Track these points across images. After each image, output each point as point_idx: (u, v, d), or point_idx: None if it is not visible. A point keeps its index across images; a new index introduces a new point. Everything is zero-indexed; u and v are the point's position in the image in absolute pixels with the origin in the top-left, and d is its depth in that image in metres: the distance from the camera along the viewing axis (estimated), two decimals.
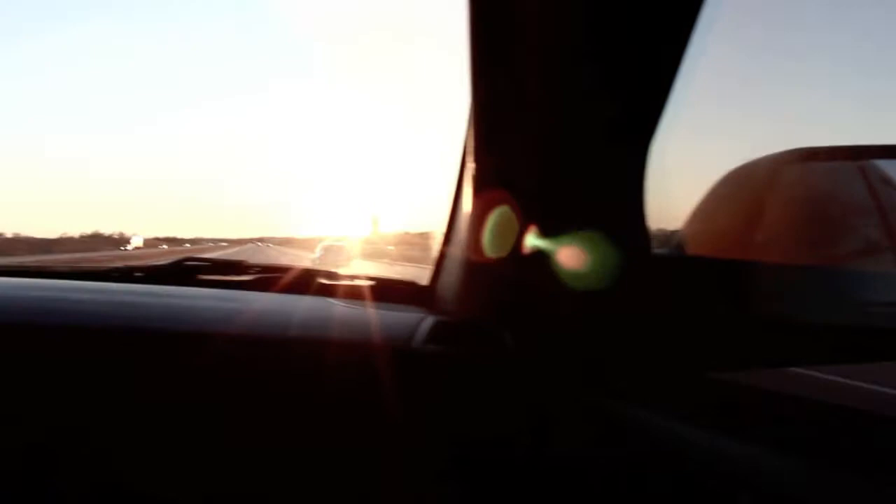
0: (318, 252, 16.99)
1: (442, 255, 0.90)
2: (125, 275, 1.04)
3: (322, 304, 0.90)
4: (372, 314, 0.87)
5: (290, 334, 0.79)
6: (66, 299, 0.84)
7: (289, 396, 0.74)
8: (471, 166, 0.71)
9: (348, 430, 0.74)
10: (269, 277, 1.00)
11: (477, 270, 0.76)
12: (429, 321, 0.81)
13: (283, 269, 1.05)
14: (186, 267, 1.03)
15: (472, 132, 0.68)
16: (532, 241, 0.68)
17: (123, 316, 0.81)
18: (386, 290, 0.99)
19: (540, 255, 0.67)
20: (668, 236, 0.72)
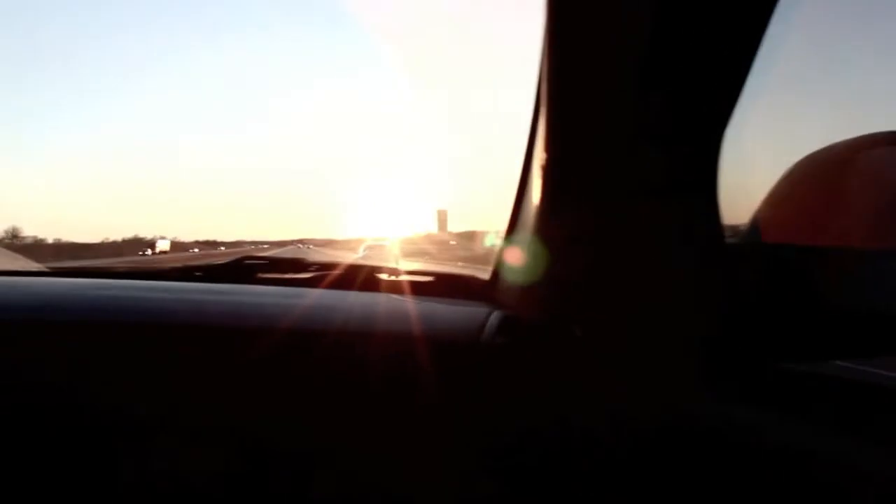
0: (361, 252, 16.83)
1: (504, 249, 0.90)
2: (185, 274, 1.08)
3: (385, 299, 0.92)
4: (437, 309, 0.88)
5: (356, 329, 0.81)
6: (132, 297, 0.88)
7: (360, 392, 0.76)
8: (538, 161, 0.71)
9: (422, 426, 0.75)
10: (328, 274, 1.03)
11: (542, 264, 0.76)
12: (496, 315, 0.81)
13: (341, 267, 1.07)
14: (245, 265, 1.07)
15: (540, 127, 0.68)
16: (599, 234, 0.67)
17: (189, 312, 0.84)
18: (447, 285, 1.01)
19: (608, 248, 0.67)
20: (740, 224, 0.71)
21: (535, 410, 0.72)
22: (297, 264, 1.07)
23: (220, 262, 1.08)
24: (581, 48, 0.58)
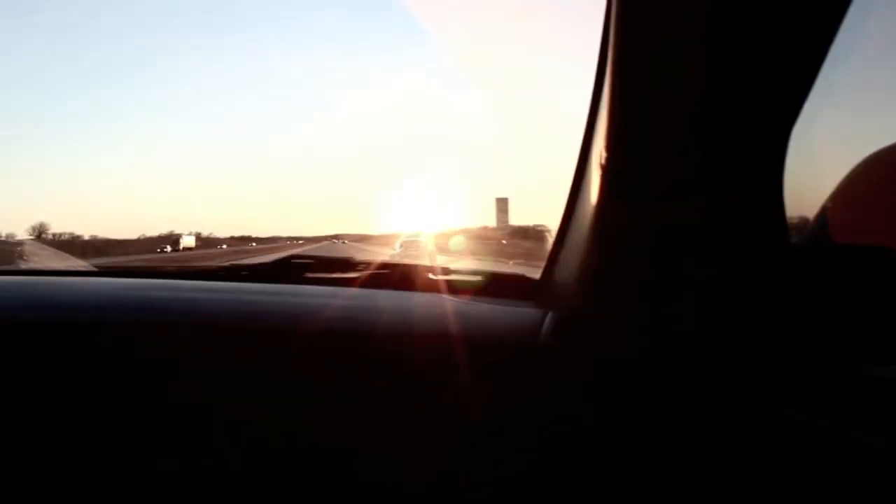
0: (398, 247, 16.68)
1: (556, 248, 0.89)
2: (231, 273, 1.11)
3: (435, 299, 0.92)
4: (489, 310, 0.89)
5: (409, 331, 0.82)
6: (182, 298, 0.91)
7: (413, 394, 0.78)
8: (595, 157, 0.70)
9: (478, 429, 0.76)
10: (375, 274, 1.04)
11: (597, 264, 0.75)
12: (551, 316, 0.81)
13: (388, 266, 1.08)
14: (293, 265, 1.09)
15: (599, 123, 0.67)
16: (659, 233, 0.66)
17: (241, 313, 0.87)
18: (496, 285, 1.00)
19: (666, 247, 0.66)
20: (805, 224, 0.69)
21: (596, 412, 0.72)
22: (344, 263, 1.09)
23: (266, 261, 1.10)
24: (646, 45, 0.57)
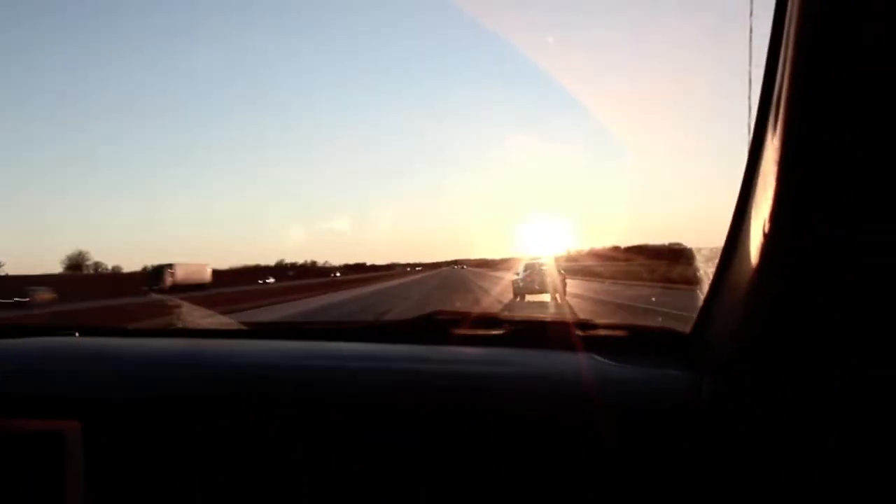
0: (521, 273, 16.46)
1: (712, 295, 0.83)
2: (377, 331, 1.16)
3: (589, 361, 0.92)
4: (641, 374, 0.88)
5: (565, 403, 0.83)
6: (338, 366, 0.97)
7: (575, 468, 0.78)
8: (769, 166, 0.62)
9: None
10: (522, 330, 1.05)
11: (765, 311, 0.68)
12: (710, 380, 0.78)
13: (531, 322, 1.09)
14: (438, 322, 1.12)
15: (774, 132, 0.60)
16: (849, 270, 0.59)
17: (396, 383, 0.92)
18: (642, 342, 0.99)
19: (868, 285, 0.59)
20: None
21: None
22: (490, 320, 1.10)
23: (411, 318, 1.15)
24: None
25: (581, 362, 0.92)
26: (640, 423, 0.79)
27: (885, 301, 0.58)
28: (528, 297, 15.58)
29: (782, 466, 0.68)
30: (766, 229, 0.62)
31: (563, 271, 17.74)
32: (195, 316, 1.56)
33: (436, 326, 1.11)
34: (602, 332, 1.02)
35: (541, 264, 16.75)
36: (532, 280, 15.75)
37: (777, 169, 0.58)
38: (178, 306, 1.57)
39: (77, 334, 1.24)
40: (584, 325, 1.04)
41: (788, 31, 0.55)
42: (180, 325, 1.44)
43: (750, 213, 0.70)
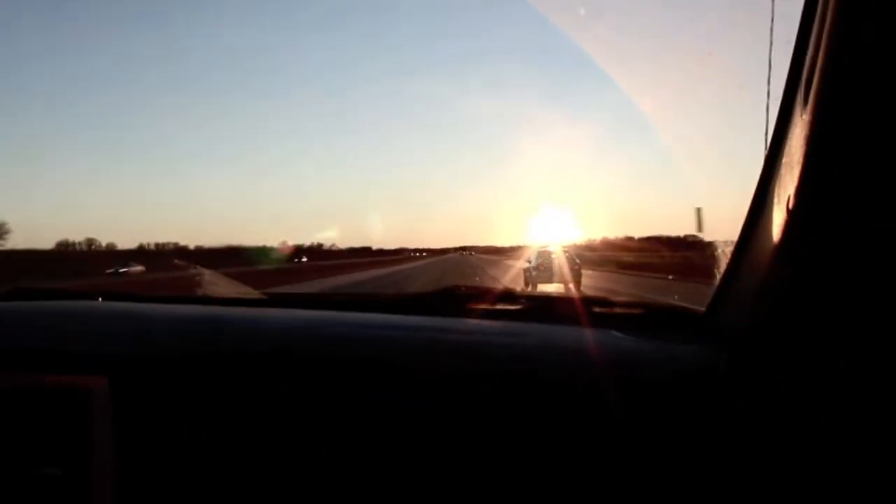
0: (533, 261, 15.75)
1: (730, 273, 0.87)
2: (396, 303, 1.21)
3: (606, 337, 0.96)
4: (659, 348, 0.91)
5: (582, 375, 0.86)
6: (357, 334, 1.01)
7: (590, 439, 0.82)
8: (792, 154, 0.64)
9: (648, 482, 0.79)
10: (540, 306, 1.09)
11: (781, 288, 0.71)
12: (727, 356, 0.81)
13: (549, 297, 1.12)
14: (457, 295, 1.16)
15: (802, 115, 0.61)
16: (866, 258, 0.61)
17: (418, 349, 0.96)
18: (658, 319, 1.02)
19: (876, 279, 0.62)
20: None
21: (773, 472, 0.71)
22: (506, 295, 1.14)
23: (429, 292, 1.19)
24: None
25: (598, 337, 0.95)
26: (658, 393, 0.82)
27: None
28: (541, 287, 14.85)
29: (791, 442, 0.71)
30: (789, 209, 0.64)
31: (578, 260, 17.07)
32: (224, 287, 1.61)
33: (455, 300, 1.15)
34: (618, 310, 1.06)
35: (554, 252, 16.20)
36: (545, 268, 15.22)
37: (803, 153, 0.60)
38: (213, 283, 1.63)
39: (100, 299, 1.29)
40: (601, 301, 1.08)
41: (821, 16, 0.56)
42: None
43: (772, 194, 0.72)
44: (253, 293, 1.50)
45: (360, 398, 0.90)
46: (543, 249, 16.18)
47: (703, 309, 0.97)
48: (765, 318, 0.75)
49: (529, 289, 14.78)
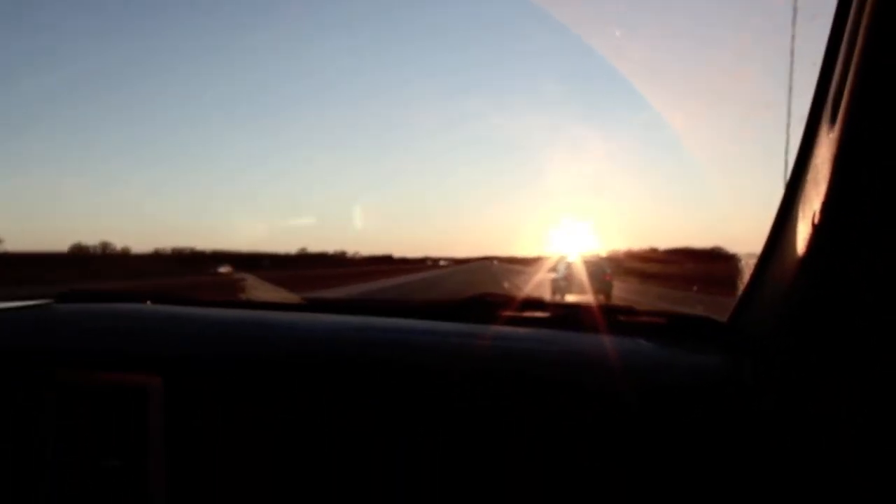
0: (561, 270, 14.74)
1: (754, 284, 0.91)
2: (428, 309, 1.28)
3: (630, 344, 1.01)
4: (683, 356, 0.96)
5: (606, 380, 0.91)
6: (392, 338, 1.08)
7: (614, 444, 0.86)
8: (821, 164, 0.67)
9: (670, 488, 0.83)
10: (566, 314, 1.15)
11: (806, 304, 0.74)
12: (749, 365, 0.85)
13: (576, 306, 1.18)
14: (486, 303, 1.22)
15: (832, 127, 0.64)
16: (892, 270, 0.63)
17: (449, 355, 1.01)
18: (681, 328, 1.07)
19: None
20: None
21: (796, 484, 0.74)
22: (536, 303, 1.21)
23: (461, 299, 1.26)
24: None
25: (622, 344, 1.00)
26: (681, 400, 0.85)
27: None
28: (569, 298, 13.98)
29: (812, 450, 0.74)
30: (814, 224, 0.66)
31: (608, 270, 16.19)
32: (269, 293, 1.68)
33: (484, 307, 1.20)
34: (643, 319, 1.10)
35: (584, 261, 15.58)
36: (574, 278, 14.32)
37: (830, 169, 0.62)
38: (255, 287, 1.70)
39: (149, 302, 1.39)
40: (626, 311, 1.13)
41: (852, 26, 0.59)
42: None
43: (797, 206, 0.76)
44: (293, 297, 1.57)
45: (394, 400, 0.96)
46: (573, 258, 15.43)
47: (725, 319, 1.01)
48: (788, 329, 0.79)
49: (557, 298, 14.08)
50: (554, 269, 15.52)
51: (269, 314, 1.31)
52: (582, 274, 14.55)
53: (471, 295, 1.25)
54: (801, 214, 0.73)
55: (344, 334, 1.11)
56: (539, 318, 1.15)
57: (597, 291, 14.21)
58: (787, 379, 0.78)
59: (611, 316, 1.11)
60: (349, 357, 1.03)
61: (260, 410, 1.01)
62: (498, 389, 0.93)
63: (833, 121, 0.63)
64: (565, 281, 14.38)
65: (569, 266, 14.86)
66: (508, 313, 1.17)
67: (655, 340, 1.02)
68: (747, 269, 0.95)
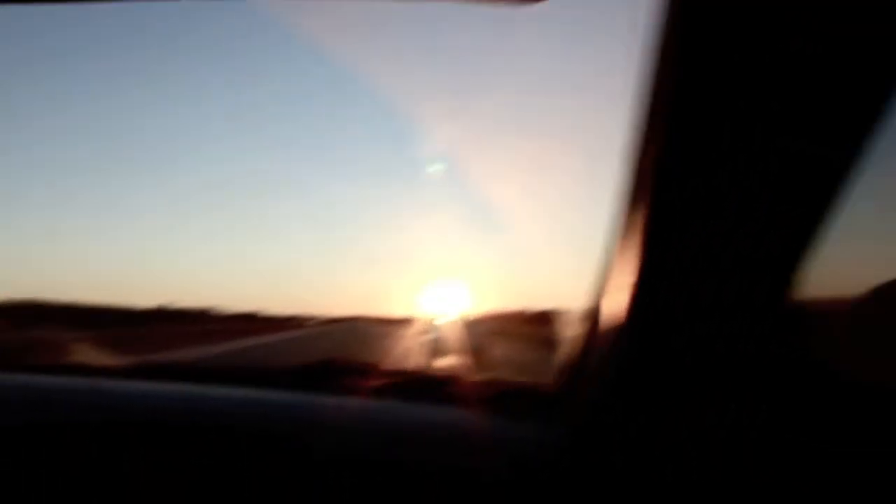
0: (431, 333, 13.89)
1: (578, 350, 0.91)
2: (271, 376, 1.22)
3: (462, 416, 1.01)
4: (502, 429, 0.96)
5: (434, 453, 0.92)
6: (235, 412, 1.03)
7: None
8: (638, 225, 0.69)
9: None
10: (403, 383, 1.14)
11: (631, 365, 0.75)
12: (567, 432, 0.86)
13: (413, 375, 1.19)
14: (331, 370, 1.20)
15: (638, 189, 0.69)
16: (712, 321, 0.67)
17: (299, 431, 0.98)
18: (510, 396, 1.07)
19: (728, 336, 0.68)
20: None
21: None
22: (376, 370, 1.19)
23: (308, 365, 1.22)
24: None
25: (457, 416, 1.00)
26: (509, 475, 0.86)
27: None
28: (438, 362, 13.71)
29: None
30: (633, 284, 0.70)
31: (479, 332, 15.85)
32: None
33: (329, 375, 1.17)
34: (477, 387, 1.10)
35: (452, 324, 14.94)
36: (443, 342, 13.99)
37: (642, 234, 0.67)
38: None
39: None
40: (455, 380, 1.14)
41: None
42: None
43: (615, 268, 0.78)
44: (121, 362, 1.46)
45: (217, 483, 0.93)
46: (441, 321, 14.82)
47: (552, 387, 1.02)
48: (606, 391, 0.80)
49: (425, 363, 13.97)
50: (426, 332, 15.17)
51: (92, 382, 1.20)
52: (450, 337, 14.31)
53: (318, 360, 1.23)
54: (618, 275, 0.76)
55: (169, 404, 1.05)
56: (378, 387, 1.13)
57: (468, 355, 13.83)
58: (601, 444, 0.80)
59: (449, 384, 1.11)
60: (172, 431, 0.98)
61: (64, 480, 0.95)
62: (322, 469, 0.92)
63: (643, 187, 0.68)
64: (435, 343, 13.91)
65: (437, 329, 14.50)
66: (349, 382, 1.15)
67: (488, 410, 1.02)
68: (565, 336, 0.99)
